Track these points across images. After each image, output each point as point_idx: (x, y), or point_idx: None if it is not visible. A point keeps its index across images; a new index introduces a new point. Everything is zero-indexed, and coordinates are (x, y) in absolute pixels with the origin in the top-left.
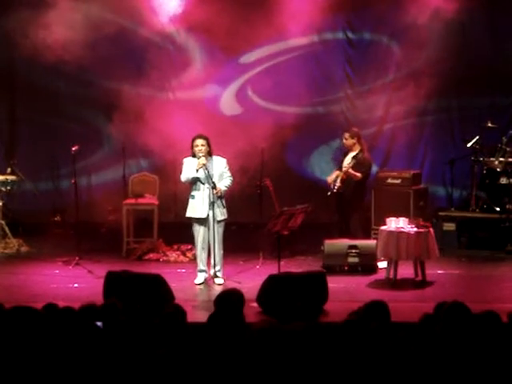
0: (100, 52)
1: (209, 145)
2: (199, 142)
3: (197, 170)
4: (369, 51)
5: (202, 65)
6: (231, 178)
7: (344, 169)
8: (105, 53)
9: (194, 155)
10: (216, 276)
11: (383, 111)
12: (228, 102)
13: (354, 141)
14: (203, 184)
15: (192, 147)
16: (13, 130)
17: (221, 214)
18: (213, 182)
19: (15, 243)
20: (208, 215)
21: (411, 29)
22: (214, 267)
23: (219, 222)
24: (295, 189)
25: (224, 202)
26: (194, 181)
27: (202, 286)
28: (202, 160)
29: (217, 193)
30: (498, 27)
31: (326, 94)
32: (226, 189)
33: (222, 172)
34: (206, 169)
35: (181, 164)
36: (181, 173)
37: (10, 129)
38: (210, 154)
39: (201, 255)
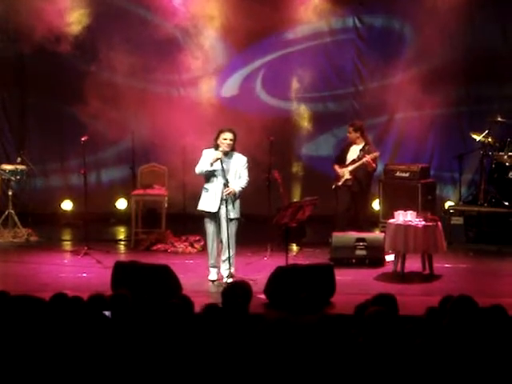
0: (110, 43)
1: (235, 140)
2: (228, 135)
3: (211, 164)
4: (379, 44)
5: (210, 57)
6: (247, 179)
7: (365, 158)
8: (115, 44)
9: (215, 147)
10: (227, 272)
11: (392, 105)
12: (237, 95)
13: (358, 134)
14: (217, 178)
15: (217, 138)
16: (23, 120)
17: (233, 212)
18: (226, 179)
19: (24, 233)
20: (219, 210)
21: (421, 22)
22: (226, 264)
23: (231, 220)
24: (304, 181)
25: (238, 201)
26: (209, 174)
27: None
28: (218, 154)
29: (229, 193)
30: (507, 20)
31: (336, 87)
32: (240, 189)
33: (238, 170)
34: (222, 163)
35: (199, 156)
36: (197, 163)
37: (20, 119)
38: (232, 149)
39: (212, 250)
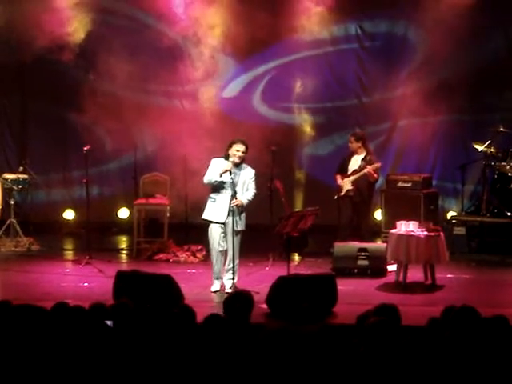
0: (111, 52)
1: (246, 152)
2: (240, 147)
3: (220, 175)
4: (381, 53)
5: (211, 65)
6: (254, 191)
7: (367, 169)
8: (116, 54)
9: (226, 157)
10: (230, 283)
11: (394, 114)
12: (237, 104)
13: (359, 144)
14: (225, 189)
15: (228, 149)
16: (24, 128)
17: (240, 224)
18: (234, 191)
19: (26, 242)
20: (226, 221)
21: (424, 31)
22: (229, 274)
23: (238, 231)
24: (305, 190)
25: (244, 214)
26: (217, 184)
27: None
28: (228, 166)
29: (236, 204)
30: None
31: (338, 96)
32: (247, 202)
33: (246, 182)
34: (231, 175)
35: (200, 165)
36: (199, 173)
37: (22, 127)
38: (242, 160)
39: (216, 261)
